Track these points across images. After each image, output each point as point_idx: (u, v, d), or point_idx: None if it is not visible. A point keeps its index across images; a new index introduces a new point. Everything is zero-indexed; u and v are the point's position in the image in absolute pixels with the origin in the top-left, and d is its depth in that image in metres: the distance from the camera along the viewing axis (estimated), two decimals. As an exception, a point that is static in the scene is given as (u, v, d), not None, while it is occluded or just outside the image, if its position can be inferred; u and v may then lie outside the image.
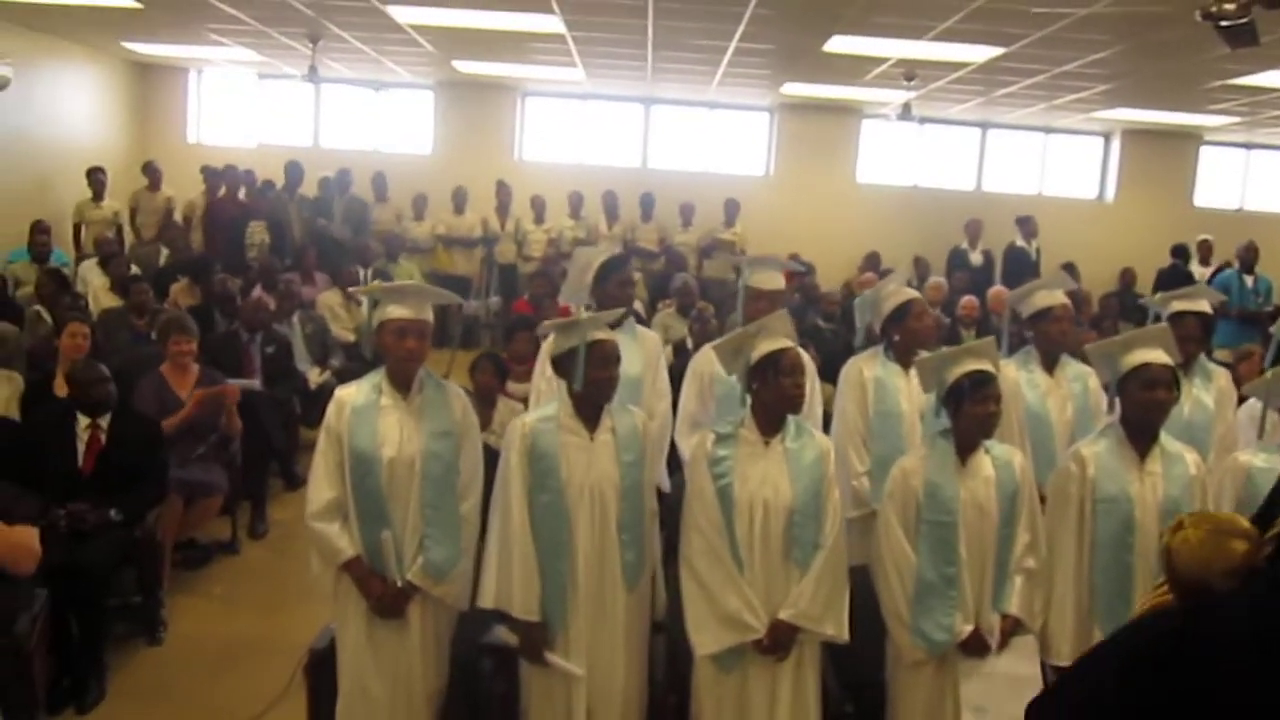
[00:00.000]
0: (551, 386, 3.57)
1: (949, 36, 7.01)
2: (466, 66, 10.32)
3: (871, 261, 10.75)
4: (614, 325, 3.48)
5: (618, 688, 3.20)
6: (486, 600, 3.14)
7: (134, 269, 8.15)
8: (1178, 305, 4.07)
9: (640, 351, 3.95)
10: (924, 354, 3.78)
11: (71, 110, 10.42)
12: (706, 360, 3.94)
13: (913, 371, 3.91)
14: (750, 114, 12.16)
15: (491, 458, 3.33)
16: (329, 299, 8.25)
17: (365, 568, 3.18)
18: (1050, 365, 4.09)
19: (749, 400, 3.20)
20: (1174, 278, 9.29)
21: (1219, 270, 9.88)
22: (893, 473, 3.29)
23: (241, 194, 10.08)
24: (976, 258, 10.71)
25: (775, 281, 4.20)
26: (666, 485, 3.85)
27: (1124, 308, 8.73)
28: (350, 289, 7.77)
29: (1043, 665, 3.21)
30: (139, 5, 7.89)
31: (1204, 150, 12.24)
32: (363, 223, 10.43)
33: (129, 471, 4.40)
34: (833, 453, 3.26)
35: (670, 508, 3.53)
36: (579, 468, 3.15)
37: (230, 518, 5.57)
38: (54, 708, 3.88)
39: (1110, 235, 11.73)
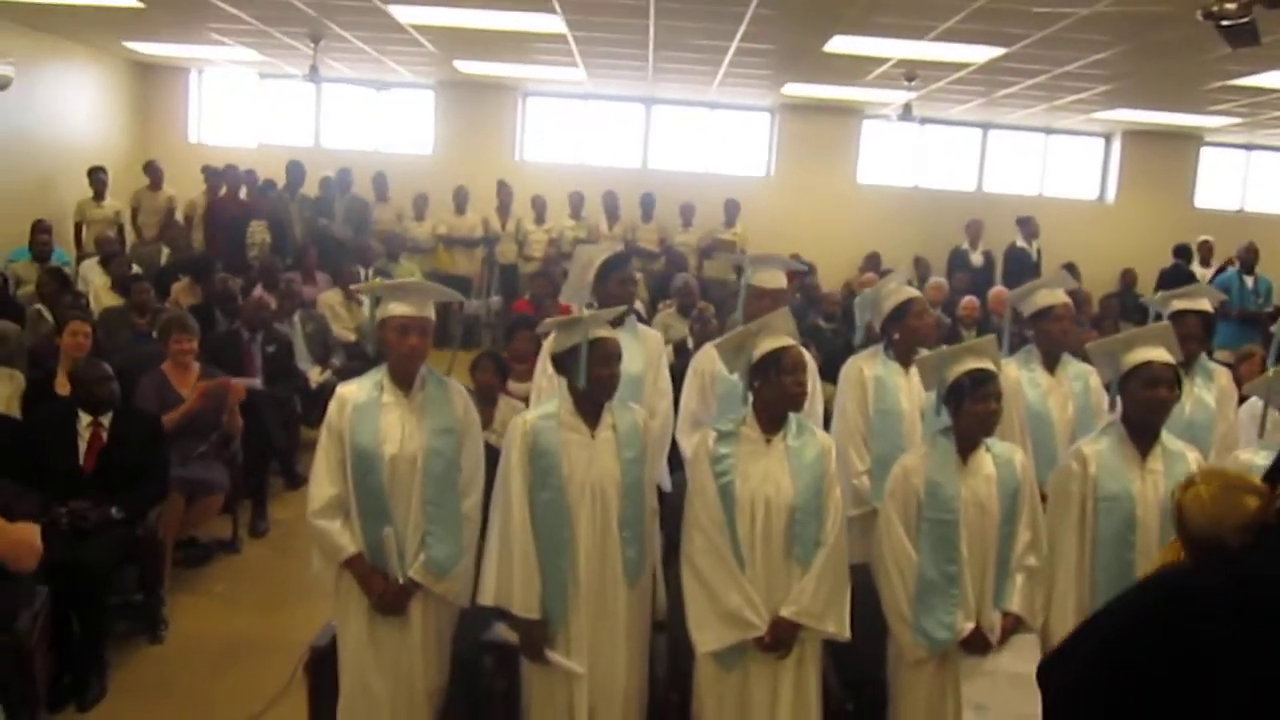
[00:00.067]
0: (552, 385, 3.58)
1: (950, 37, 7.01)
2: (467, 66, 10.32)
3: (872, 262, 10.74)
4: (615, 323, 3.48)
5: (619, 685, 3.19)
6: (487, 598, 3.14)
7: (135, 268, 8.17)
8: (1179, 304, 4.06)
9: (641, 349, 3.95)
10: (924, 352, 3.79)
11: (73, 110, 10.42)
12: (708, 359, 3.94)
13: (913, 370, 3.91)
14: (751, 114, 12.15)
15: (493, 456, 3.32)
16: (330, 298, 8.26)
17: (367, 565, 3.18)
18: (1051, 364, 4.09)
19: (750, 398, 3.20)
20: (1177, 277, 9.24)
21: (1220, 271, 9.88)
22: (894, 471, 3.29)
23: (243, 194, 10.10)
24: (977, 258, 10.71)
25: (777, 280, 4.20)
26: (668, 484, 3.85)
27: (1125, 308, 8.73)
28: (351, 288, 7.77)
29: (1043, 664, 3.21)
30: (141, 5, 7.90)
31: (1204, 151, 12.24)
32: (364, 222, 10.43)
33: (130, 470, 4.41)
34: (834, 450, 3.26)
35: (672, 506, 3.53)
36: (580, 465, 3.15)
37: (231, 516, 5.58)
38: (55, 705, 3.88)
39: (1111, 236, 11.72)
